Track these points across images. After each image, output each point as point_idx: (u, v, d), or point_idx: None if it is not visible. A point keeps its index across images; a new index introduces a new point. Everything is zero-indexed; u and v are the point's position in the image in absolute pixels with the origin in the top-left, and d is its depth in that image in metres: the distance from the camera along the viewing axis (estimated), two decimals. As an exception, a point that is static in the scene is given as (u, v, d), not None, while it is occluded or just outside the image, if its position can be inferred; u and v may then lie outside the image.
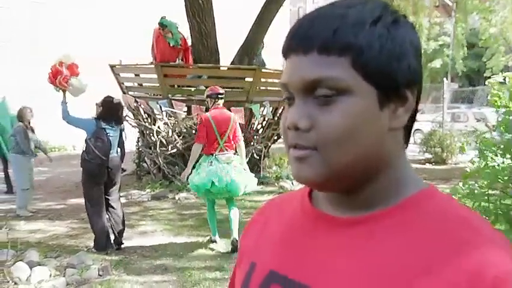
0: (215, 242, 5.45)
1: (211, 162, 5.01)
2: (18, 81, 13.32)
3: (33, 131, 7.12)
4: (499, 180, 3.04)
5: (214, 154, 5.03)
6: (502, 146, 3.13)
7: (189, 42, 9.07)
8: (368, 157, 0.61)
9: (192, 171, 5.18)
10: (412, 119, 0.65)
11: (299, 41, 0.61)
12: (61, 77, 4.91)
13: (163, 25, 8.58)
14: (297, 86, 0.61)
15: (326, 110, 0.60)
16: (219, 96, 5.27)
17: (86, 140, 4.99)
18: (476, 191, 3.13)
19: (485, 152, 3.17)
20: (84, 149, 5.00)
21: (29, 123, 7.09)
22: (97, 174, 4.99)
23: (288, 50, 0.63)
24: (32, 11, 13.99)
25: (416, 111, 0.65)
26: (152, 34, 8.96)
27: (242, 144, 5.31)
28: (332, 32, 0.58)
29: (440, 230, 0.59)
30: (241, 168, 5.22)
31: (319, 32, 0.59)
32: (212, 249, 5.27)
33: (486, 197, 3.08)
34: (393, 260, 0.58)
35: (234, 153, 5.24)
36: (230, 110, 8.17)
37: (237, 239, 5.00)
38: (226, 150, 5.12)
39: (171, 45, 8.63)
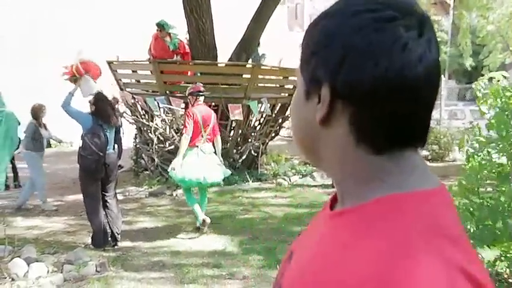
0: (203, 228, 5.63)
1: (198, 153, 5.47)
2: (16, 80, 13.28)
3: (45, 127, 7.14)
4: (492, 174, 3.06)
5: (198, 146, 5.48)
6: (492, 144, 3.15)
7: (187, 48, 9.01)
8: (305, 138, 0.69)
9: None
10: (384, 130, 0.61)
11: None
12: (76, 66, 4.92)
13: (160, 26, 8.55)
14: None
15: None
16: (200, 93, 5.71)
17: (82, 136, 4.98)
18: (466, 188, 3.14)
19: (476, 150, 3.18)
20: (81, 145, 4.99)
21: (42, 120, 7.09)
22: (94, 171, 4.98)
23: None
24: (31, 11, 13.93)
25: (384, 122, 0.61)
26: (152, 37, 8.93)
27: (219, 138, 5.87)
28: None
29: (367, 246, 0.57)
30: (217, 159, 5.75)
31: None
32: (210, 246, 5.27)
33: (477, 194, 3.10)
34: (321, 253, 0.64)
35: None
36: (227, 107, 8.22)
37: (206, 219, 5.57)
38: (208, 142, 5.63)
39: (170, 49, 8.61)
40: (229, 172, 5.90)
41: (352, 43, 0.60)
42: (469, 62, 18.00)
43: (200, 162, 5.42)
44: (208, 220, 5.56)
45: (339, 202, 0.70)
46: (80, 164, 5.03)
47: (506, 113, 3.05)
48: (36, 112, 6.99)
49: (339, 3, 0.64)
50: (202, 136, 5.51)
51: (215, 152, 5.76)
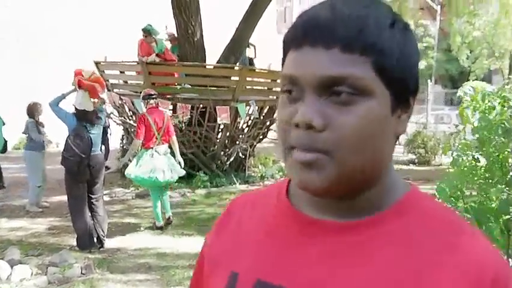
0: (160, 228, 5.92)
1: (152, 154, 5.65)
2: (9, 81, 13.14)
3: (43, 126, 7.00)
4: (476, 179, 3.09)
5: (153, 147, 5.67)
6: (476, 146, 3.19)
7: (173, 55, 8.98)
8: (377, 162, 0.59)
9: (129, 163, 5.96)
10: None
11: (320, 34, 0.56)
12: (79, 79, 4.91)
13: (146, 31, 8.52)
14: (313, 81, 0.57)
15: (343, 110, 0.56)
16: (151, 97, 5.93)
17: (66, 138, 4.92)
18: (450, 192, 3.18)
19: (459, 154, 3.22)
20: (64, 147, 4.94)
21: (39, 118, 6.97)
22: (77, 172, 4.91)
23: (303, 40, 0.58)
24: (21, 12, 13.78)
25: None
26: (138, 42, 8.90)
27: (174, 138, 6.05)
28: (358, 30, 0.55)
29: (429, 233, 0.60)
30: (172, 160, 5.96)
31: (344, 28, 0.56)
32: (196, 248, 5.26)
33: (461, 198, 3.13)
34: (388, 268, 0.58)
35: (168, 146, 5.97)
36: (215, 109, 8.22)
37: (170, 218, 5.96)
38: (162, 143, 5.81)
39: (156, 53, 8.57)
40: (183, 172, 6.06)
41: (419, 51, 0.64)
42: (466, 64, 18.13)
43: (154, 163, 5.61)
44: (171, 218, 5.96)
45: (346, 213, 0.62)
46: (63, 165, 4.97)
47: (491, 118, 3.09)
48: (32, 110, 6.89)
49: (387, 9, 0.60)
50: (156, 138, 5.71)
51: (173, 153, 6.00)
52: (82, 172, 4.92)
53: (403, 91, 0.60)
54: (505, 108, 3.04)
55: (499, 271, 0.57)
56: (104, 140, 5.56)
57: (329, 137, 0.56)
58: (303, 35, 0.58)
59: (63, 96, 5.07)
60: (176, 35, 9.32)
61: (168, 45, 9.25)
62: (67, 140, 4.89)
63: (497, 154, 3.15)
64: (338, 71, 0.55)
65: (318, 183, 0.57)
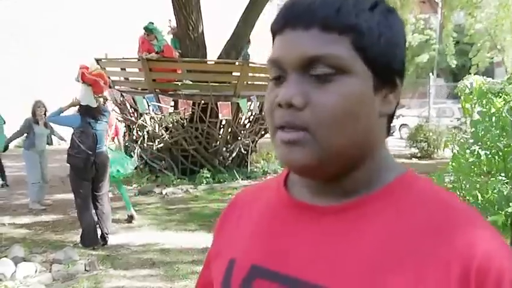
0: (133, 217, 6.13)
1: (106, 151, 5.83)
2: (9, 78, 13.15)
3: (45, 125, 6.96)
4: (476, 172, 3.09)
5: (106, 145, 5.71)
6: (471, 141, 3.19)
7: (174, 53, 8.98)
8: (360, 141, 0.59)
9: None
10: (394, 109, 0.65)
11: (299, 16, 0.58)
12: (82, 72, 4.92)
13: (148, 30, 8.53)
14: (293, 61, 0.58)
15: (322, 89, 0.57)
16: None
17: (71, 135, 4.94)
18: (451, 185, 3.18)
19: (459, 151, 3.22)
20: (69, 144, 4.95)
21: (39, 116, 6.96)
22: (83, 169, 4.93)
23: (285, 24, 0.60)
24: (21, 10, 13.78)
25: (398, 102, 0.65)
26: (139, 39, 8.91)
27: (120, 136, 6.64)
28: (335, 10, 0.57)
29: (425, 213, 0.59)
30: (123, 154, 6.38)
31: (321, 9, 0.57)
32: (199, 243, 5.27)
33: (460, 190, 3.14)
34: (382, 244, 0.57)
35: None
36: (217, 105, 8.22)
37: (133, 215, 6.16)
38: (112, 141, 6.27)
39: (156, 50, 8.58)
40: (134, 164, 6.54)
41: (405, 35, 0.65)
42: (452, 61, 18.11)
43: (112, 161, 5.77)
44: (134, 217, 6.16)
45: (339, 196, 0.63)
46: (69, 163, 4.98)
47: (492, 113, 3.09)
48: (33, 108, 6.91)
49: None
50: (108, 135, 5.89)
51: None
52: (88, 169, 4.93)
53: (386, 71, 0.60)
54: (505, 103, 3.03)
55: (500, 270, 0.53)
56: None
57: (309, 115, 0.57)
58: (284, 19, 0.60)
59: (60, 111, 5.08)
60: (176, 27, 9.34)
61: (169, 39, 9.24)
62: (72, 138, 4.90)
63: (498, 148, 3.15)
64: (315, 50, 0.57)
65: (301, 160, 0.58)
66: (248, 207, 0.73)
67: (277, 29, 0.61)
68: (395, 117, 0.66)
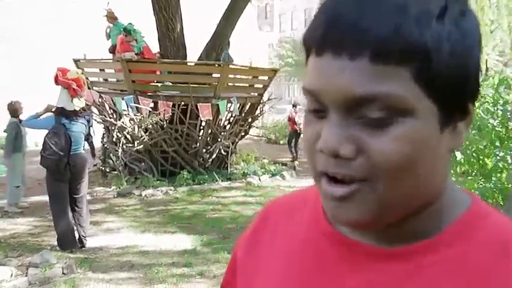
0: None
1: None
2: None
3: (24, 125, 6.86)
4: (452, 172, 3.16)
5: None
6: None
7: (153, 49, 8.96)
8: (425, 186, 0.49)
9: None
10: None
11: (345, 36, 0.44)
12: (56, 74, 4.90)
13: (127, 31, 8.49)
14: (336, 98, 0.46)
15: (377, 134, 0.45)
16: None
17: (44, 137, 4.87)
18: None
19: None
20: (42, 146, 4.88)
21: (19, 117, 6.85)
22: (56, 171, 4.85)
23: (324, 46, 0.46)
24: (2, 10, 13.53)
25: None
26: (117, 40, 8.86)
27: None
28: (393, 30, 0.43)
29: (497, 264, 0.49)
30: None
31: (374, 28, 0.43)
32: (179, 245, 5.25)
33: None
34: None
35: None
36: (197, 107, 8.20)
37: None
38: None
39: (135, 52, 8.55)
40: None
41: (480, 40, 0.50)
42: None
43: None
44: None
45: (396, 238, 0.52)
46: (41, 165, 4.91)
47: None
48: (16, 110, 6.77)
49: None
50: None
51: None
52: (61, 171, 4.85)
53: (457, 99, 0.47)
54: (480, 104, 3.12)
55: None
56: (89, 138, 5.48)
57: (363, 164, 0.46)
58: (323, 38, 0.46)
59: (37, 115, 5.10)
60: (113, 12, 9.39)
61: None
62: (44, 139, 4.83)
63: (474, 148, 3.23)
64: (366, 88, 0.44)
65: (356, 216, 0.48)
66: (282, 227, 0.63)
67: (314, 47, 0.47)
68: None
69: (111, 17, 9.47)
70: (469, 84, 0.47)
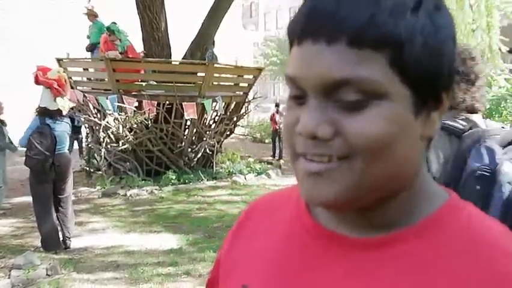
0: None
1: None
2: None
3: (5, 125, 6.73)
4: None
5: None
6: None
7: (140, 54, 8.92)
8: (399, 170, 0.50)
9: None
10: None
11: (321, 25, 0.47)
12: (36, 74, 4.86)
13: (110, 31, 8.43)
14: (314, 83, 0.48)
15: (353, 116, 0.47)
16: None
17: (29, 137, 4.81)
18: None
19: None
20: (27, 146, 4.82)
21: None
22: (42, 171, 4.80)
23: (303, 34, 0.49)
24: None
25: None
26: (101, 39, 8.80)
27: None
28: (368, 18, 0.45)
29: (468, 256, 0.50)
30: None
31: (350, 17, 0.46)
32: (165, 245, 5.23)
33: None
34: None
35: None
36: (182, 106, 8.17)
37: None
38: None
39: (119, 51, 8.50)
40: None
41: (455, 34, 0.53)
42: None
43: None
44: None
45: (372, 227, 0.54)
46: (26, 165, 4.85)
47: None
48: None
49: None
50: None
51: None
52: (46, 171, 4.81)
53: (430, 88, 0.50)
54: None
55: None
56: (78, 138, 5.43)
57: (341, 145, 0.48)
58: (302, 27, 0.49)
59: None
60: (93, 11, 9.40)
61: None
62: (29, 140, 4.78)
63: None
64: (342, 72, 0.46)
65: (331, 195, 0.49)
66: (266, 223, 0.65)
67: (294, 37, 0.50)
68: None
69: (91, 15, 9.43)
70: (443, 75, 0.50)
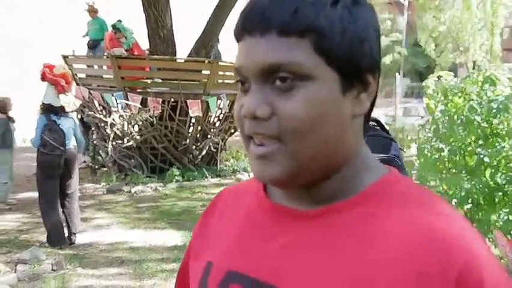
0: None
1: None
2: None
3: (13, 121, 6.82)
4: (440, 167, 3.21)
5: None
6: (435, 139, 3.31)
7: (143, 45, 8.96)
8: (333, 147, 0.57)
9: None
10: (371, 106, 0.61)
11: (255, 21, 0.55)
12: (43, 71, 4.92)
13: (116, 29, 8.47)
14: (253, 70, 0.56)
15: (285, 97, 0.55)
16: None
17: (41, 135, 4.85)
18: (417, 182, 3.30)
19: (424, 146, 3.34)
20: (41, 143, 4.85)
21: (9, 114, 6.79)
22: (56, 166, 4.85)
23: (243, 31, 0.57)
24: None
25: (375, 97, 0.61)
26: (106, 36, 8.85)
27: None
28: (292, 12, 0.53)
29: (404, 219, 0.56)
30: None
31: (277, 12, 0.54)
32: (169, 241, 5.26)
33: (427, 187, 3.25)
34: (358, 253, 0.55)
35: None
36: (186, 103, 8.19)
37: None
38: None
39: (125, 48, 8.54)
40: None
41: (377, 25, 0.61)
42: (434, 55, 18.52)
43: None
44: None
45: (318, 200, 0.60)
46: (40, 162, 4.89)
47: (453, 110, 3.22)
48: (5, 106, 6.72)
49: None
50: None
51: None
52: (60, 166, 4.88)
53: (354, 70, 0.57)
54: (465, 101, 3.17)
55: (479, 281, 0.52)
56: (82, 133, 5.48)
57: (276, 124, 0.55)
58: (241, 25, 0.58)
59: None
60: (95, 7, 9.48)
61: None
62: (41, 137, 4.82)
63: (460, 145, 3.29)
64: (273, 57, 0.54)
65: (274, 173, 0.57)
66: (230, 208, 0.72)
67: (237, 35, 0.59)
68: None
69: (92, 11, 9.49)
70: (365, 59, 0.57)
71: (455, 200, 3.18)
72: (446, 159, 3.23)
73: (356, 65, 0.57)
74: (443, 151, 3.30)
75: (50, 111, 4.91)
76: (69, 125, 5.05)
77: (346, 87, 0.57)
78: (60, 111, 4.98)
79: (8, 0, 13.58)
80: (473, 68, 15.57)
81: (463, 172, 3.29)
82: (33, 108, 5.12)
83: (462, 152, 3.23)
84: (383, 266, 0.54)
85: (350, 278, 0.54)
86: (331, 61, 0.55)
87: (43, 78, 4.90)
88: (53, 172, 4.89)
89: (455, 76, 3.95)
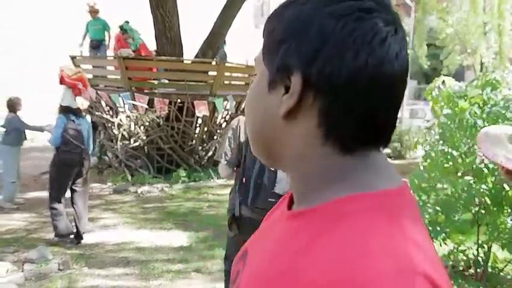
0: None
1: None
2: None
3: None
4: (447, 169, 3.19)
5: None
6: (442, 142, 3.30)
7: (150, 46, 9.01)
8: (264, 134, 0.63)
9: None
10: (369, 125, 0.57)
11: None
12: (61, 74, 5.07)
13: (123, 30, 8.53)
14: None
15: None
16: None
17: (62, 135, 4.92)
18: (424, 185, 3.29)
19: (430, 148, 3.33)
20: (62, 143, 4.94)
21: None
22: (75, 164, 4.99)
23: None
24: None
25: (367, 116, 0.57)
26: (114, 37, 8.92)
27: None
28: (267, 20, 0.65)
29: (326, 249, 0.53)
30: None
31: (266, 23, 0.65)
32: (175, 242, 5.28)
33: (434, 190, 3.24)
34: (286, 258, 0.56)
35: None
36: (193, 104, 8.21)
37: None
38: None
39: (132, 49, 8.60)
40: None
41: (331, 31, 0.55)
42: (424, 63, 18.59)
43: None
44: None
45: (296, 203, 0.65)
46: (59, 159, 4.97)
47: (457, 115, 3.21)
48: (15, 105, 6.79)
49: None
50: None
51: None
52: (79, 164, 5.02)
53: (271, 68, 0.60)
54: (470, 106, 3.15)
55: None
56: (93, 135, 5.60)
57: None
58: None
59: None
60: (96, 7, 9.60)
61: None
62: (63, 136, 4.91)
63: (464, 149, 3.28)
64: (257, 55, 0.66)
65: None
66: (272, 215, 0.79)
67: None
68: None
69: (93, 11, 9.56)
70: (278, 60, 0.59)
71: (461, 202, 3.17)
72: (451, 162, 3.22)
73: (271, 63, 0.60)
74: (450, 154, 3.28)
75: (69, 112, 5.05)
76: (85, 125, 5.20)
77: (271, 84, 0.60)
78: (78, 112, 5.13)
79: (8, 0, 13.66)
80: (481, 70, 15.49)
81: (469, 175, 3.28)
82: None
83: (465, 155, 3.22)
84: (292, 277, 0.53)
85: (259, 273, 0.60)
86: (263, 57, 0.62)
87: (61, 82, 5.04)
88: (70, 170, 5.00)
89: (462, 80, 3.96)
